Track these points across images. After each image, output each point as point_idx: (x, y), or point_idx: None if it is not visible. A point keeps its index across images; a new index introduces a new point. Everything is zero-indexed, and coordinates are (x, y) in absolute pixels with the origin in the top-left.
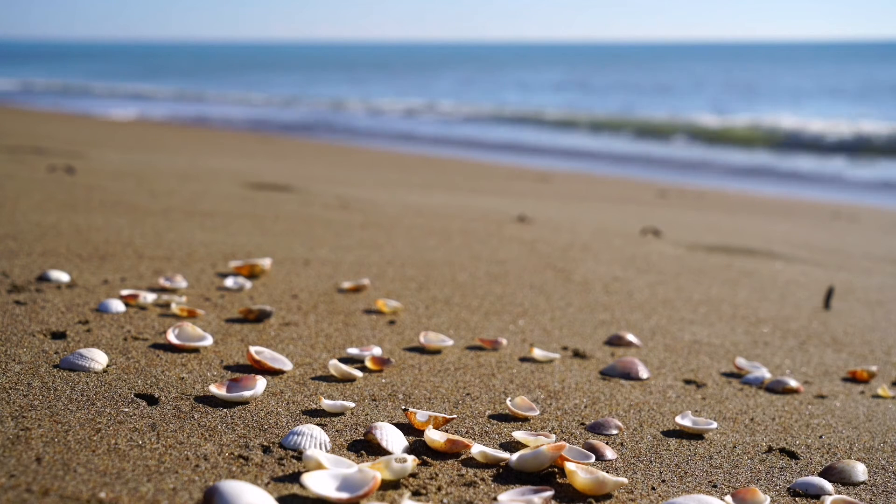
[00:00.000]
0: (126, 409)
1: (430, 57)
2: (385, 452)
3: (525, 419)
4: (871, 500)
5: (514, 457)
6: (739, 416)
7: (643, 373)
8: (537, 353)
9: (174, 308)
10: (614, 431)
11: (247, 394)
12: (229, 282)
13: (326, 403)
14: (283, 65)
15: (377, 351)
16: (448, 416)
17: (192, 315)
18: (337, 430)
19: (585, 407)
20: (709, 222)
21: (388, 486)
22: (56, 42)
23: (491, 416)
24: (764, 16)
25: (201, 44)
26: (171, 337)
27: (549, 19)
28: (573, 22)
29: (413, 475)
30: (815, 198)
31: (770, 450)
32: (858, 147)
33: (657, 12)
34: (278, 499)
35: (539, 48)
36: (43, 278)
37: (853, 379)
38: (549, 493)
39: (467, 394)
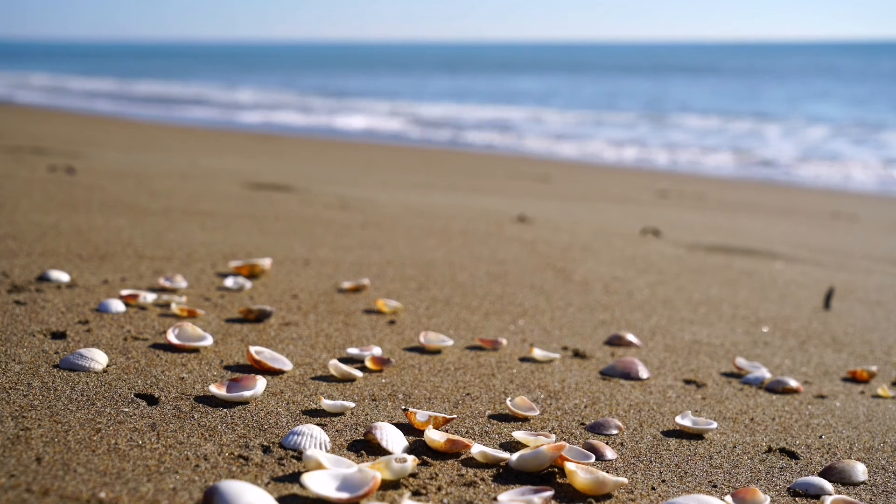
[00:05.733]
0: (126, 409)
1: (410, 57)
2: (385, 452)
3: (525, 419)
4: (871, 500)
5: (514, 457)
6: (739, 416)
7: (643, 373)
8: (537, 353)
9: (174, 308)
10: (614, 431)
11: (247, 394)
12: (229, 282)
13: (326, 403)
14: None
15: (377, 351)
16: (448, 416)
17: (192, 315)
18: (337, 430)
19: (585, 407)
20: (709, 222)
21: (388, 486)
22: (52, 42)
23: (491, 416)
24: (759, 15)
25: (199, 44)
26: (171, 337)
27: (550, 20)
28: (574, 22)
29: (413, 475)
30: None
31: (770, 450)
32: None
33: (660, 11)
34: (278, 499)
35: (540, 49)
36: (43, 278)
37: (853, 379)
38: (549, 493)
39: (467, 394)
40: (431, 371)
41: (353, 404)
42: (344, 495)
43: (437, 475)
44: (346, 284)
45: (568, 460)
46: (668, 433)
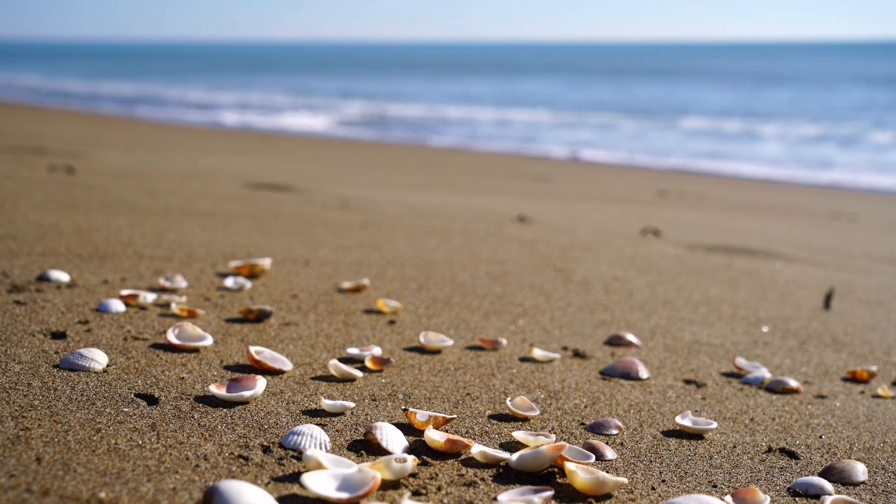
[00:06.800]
0: (126, 409)
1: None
2: (385, 452)
3: (525, 419)
4: (871, 500)
5: (514, 457)
6: (739, 416)
7: (643, 373)
8: (537, 353)
9: (174, 308)
10: (614, 431)
11: (247, 394)
12: (229, 282)
13: (326, 403)
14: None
15: (377, 351)
16: (448, 416)
17: (192, 315)
18: (337, 430)
19: (585, 407)
20: (709, 222)
21: (388, 486)
22: (51, 42)
23: (491, 416)
24: (759, 15)
25: (200, 44)
26: (171, 337)
27: (551, 20)
28: (575, 22)
29: (413, 475)
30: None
31: (770, 450)
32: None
33: (664, 12)
34: (278, 499)
35: (541, 49)
36: (43, 278)
37: (853, 379)
38: (549, 493)
39: (467, 394)
40: (431, 371)
41: (353, 404)
42: (344, 495)
43: (437, 475)
44: (346, 284)
45: (568, 460)
46: (668, 433)
